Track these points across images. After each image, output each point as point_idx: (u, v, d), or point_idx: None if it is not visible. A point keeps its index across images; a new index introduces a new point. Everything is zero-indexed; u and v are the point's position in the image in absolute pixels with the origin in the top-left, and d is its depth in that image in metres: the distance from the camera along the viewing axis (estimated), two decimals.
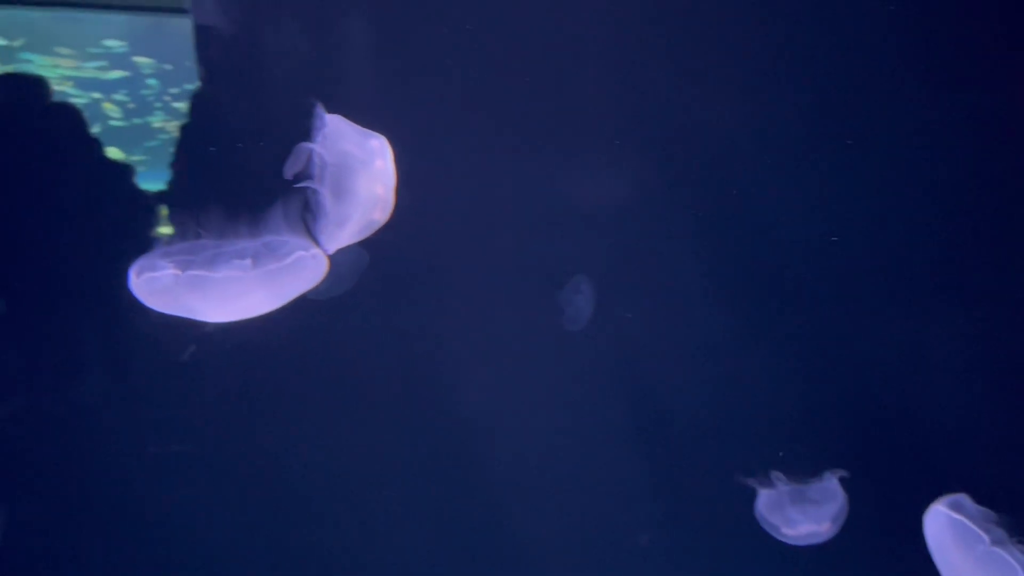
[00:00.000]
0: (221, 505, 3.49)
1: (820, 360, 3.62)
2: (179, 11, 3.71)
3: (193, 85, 3.74)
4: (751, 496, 3.17)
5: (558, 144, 3.53)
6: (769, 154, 3.55)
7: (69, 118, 3.68)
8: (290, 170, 2.16)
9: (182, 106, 3.88)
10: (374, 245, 2.39)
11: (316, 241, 2.24)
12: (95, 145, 3.67)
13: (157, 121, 4.04)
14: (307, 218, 2.23)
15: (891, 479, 3.34)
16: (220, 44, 3.44)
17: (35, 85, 3.69)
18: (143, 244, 2.15)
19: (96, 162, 3.67)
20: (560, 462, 3.63)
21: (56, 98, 3.70)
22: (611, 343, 3.62)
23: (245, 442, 3.52)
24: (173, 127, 3.88)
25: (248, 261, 2.24)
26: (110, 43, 3.96)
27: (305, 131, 2.22)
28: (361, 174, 2.22)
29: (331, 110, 2.23)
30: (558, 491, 3.62)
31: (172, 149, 3.70)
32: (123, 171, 3.71)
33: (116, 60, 3.97)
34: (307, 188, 2.20)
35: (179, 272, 2.19)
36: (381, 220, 2.28)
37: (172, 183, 3.64)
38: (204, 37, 3.48)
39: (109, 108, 3.91)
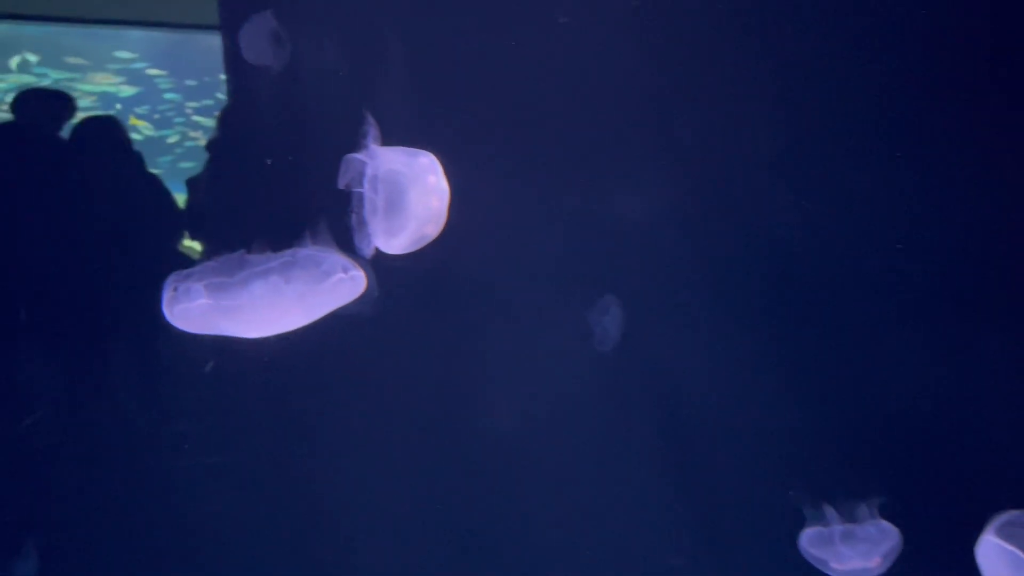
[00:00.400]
0: (252, 516, 3.46)
1: (861, 381, 3.58)
2: (208, 27, 3.68)
3: (216, 100, 3.72)
4: (788, 519, 3.11)
5: (591, 164, 3.51)
6: (805, 173, 3.53)
7: (110, 132, 3.66)
8: (342, 182, 2.13)
9: (204, 120, 3.86)
10: (404, 263, 2.35)
11: (359, 255, 2.20)
12: (136, 159, 3.65)
13: (173, 136, 4.00)
14: (351, 232, 2.19)
15: (941, 504, 3.30)
16: (251, 59, 3.41)
17: (63, 100, 3.67)
18: (178, 259, 2.13)
19: (135, 175, 3.65)
20: (591, 482, 3.60)
21: (83, 113, 3.69)
22: (641, 363, 3.58)
23: (277, 454, 3.52)
24: (192, 141, 3.86)
25: (282, 280, 2.20)
26: (124, 55, 3.93)
27: (347, 145, 2.18)
28: (413, 189, 2.18)
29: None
30: (589, 510, 3.59)
31: (196, 163, 3.69)
32: (159, 185, 3.68)
33: (132, 75, 3.95)
34: (352, 202, 2.16)
35: (211, 301, 2.15)
36: (433, 234, 2.25)
37: (209, 199, 3.62)
38: (235, 53, 3.45)
39: (138, 124, 3.89)
